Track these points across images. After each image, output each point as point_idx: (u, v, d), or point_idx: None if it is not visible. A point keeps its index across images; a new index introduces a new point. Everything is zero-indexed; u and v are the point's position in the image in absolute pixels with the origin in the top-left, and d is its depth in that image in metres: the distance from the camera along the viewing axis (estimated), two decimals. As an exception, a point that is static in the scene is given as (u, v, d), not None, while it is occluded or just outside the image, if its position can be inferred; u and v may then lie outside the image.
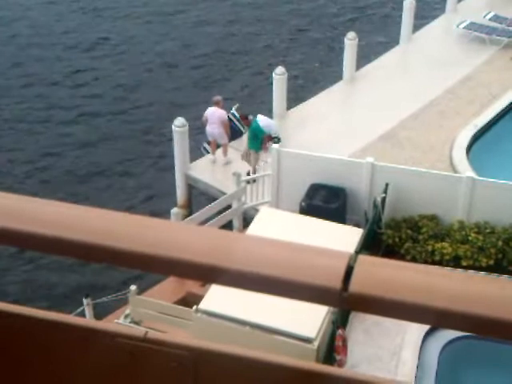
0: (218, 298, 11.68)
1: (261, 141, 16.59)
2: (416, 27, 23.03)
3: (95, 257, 1.49)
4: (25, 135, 21.48)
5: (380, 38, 26.13)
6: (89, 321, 1.80)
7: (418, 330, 12.46)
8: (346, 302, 1.36)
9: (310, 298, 1.39)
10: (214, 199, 15.51)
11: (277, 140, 16.62)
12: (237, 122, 17.87)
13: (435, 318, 1.37)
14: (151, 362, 1.72)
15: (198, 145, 18.06)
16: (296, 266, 1.39)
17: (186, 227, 1.61)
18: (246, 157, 16.82)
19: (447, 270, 1.45)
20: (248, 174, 16.38)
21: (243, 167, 16.66)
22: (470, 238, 14.01)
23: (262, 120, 16.90)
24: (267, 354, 1.71)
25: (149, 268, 1.50)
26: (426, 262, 13.64)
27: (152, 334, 1.72)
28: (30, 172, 19.97)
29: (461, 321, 1.35)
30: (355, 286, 1.35)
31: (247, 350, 1.71)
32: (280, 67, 18.91)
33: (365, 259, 1.42)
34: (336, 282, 1.35)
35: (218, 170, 17.23)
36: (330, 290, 1.35)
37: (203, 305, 11.80)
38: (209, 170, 17.30)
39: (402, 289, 1.37)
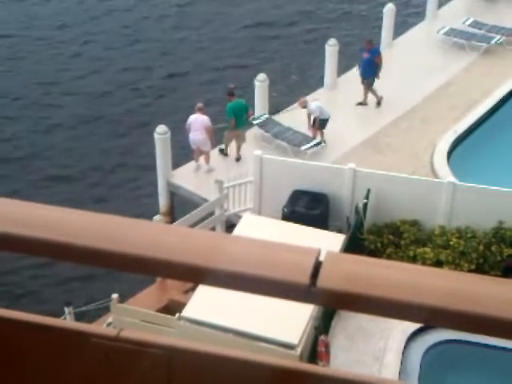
0: (201, 306, 11.67)
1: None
2: (396, 33, 23.15)
3: (84, 260, 1.49)
4: (17, 135, 21.47)
5: (361, 44, 26.18)
6: (62, 321, 1.78)
7: (400, 334, 12.49)
8: (314, 297, 1.37)
9: (279, 294, 1.39)
10: (197, 206, 15.48)
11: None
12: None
13: (405, 312, 1.38)
14: (125, 361, 1.72)
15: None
16: (265, 262, 1.40)
17: (157, 226, 1.62)
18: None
19: (417, 265, 1.46)
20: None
21: (225, 175, 16.66)
22: (451, 242, 14.06)
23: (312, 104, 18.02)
24: (243, 353, 1.71)
25: (133, 269, 1.50)
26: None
27: (126, 333, 1.71)
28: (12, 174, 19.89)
29: (431, 316, 1.36)
30: (323, 281, 1.36)
31: (222, 349, 1.71)
32: (262, 74, 18.94)
33: (334, 255, 1.42)
34: (304, 277, 1.36)
35: (200, 177, 17.21)
36: (298, 285, 1.35)
37: (186, 312, 11.78)
38: (191, 178, 17.26)
39: (370, 284, 1.37)
